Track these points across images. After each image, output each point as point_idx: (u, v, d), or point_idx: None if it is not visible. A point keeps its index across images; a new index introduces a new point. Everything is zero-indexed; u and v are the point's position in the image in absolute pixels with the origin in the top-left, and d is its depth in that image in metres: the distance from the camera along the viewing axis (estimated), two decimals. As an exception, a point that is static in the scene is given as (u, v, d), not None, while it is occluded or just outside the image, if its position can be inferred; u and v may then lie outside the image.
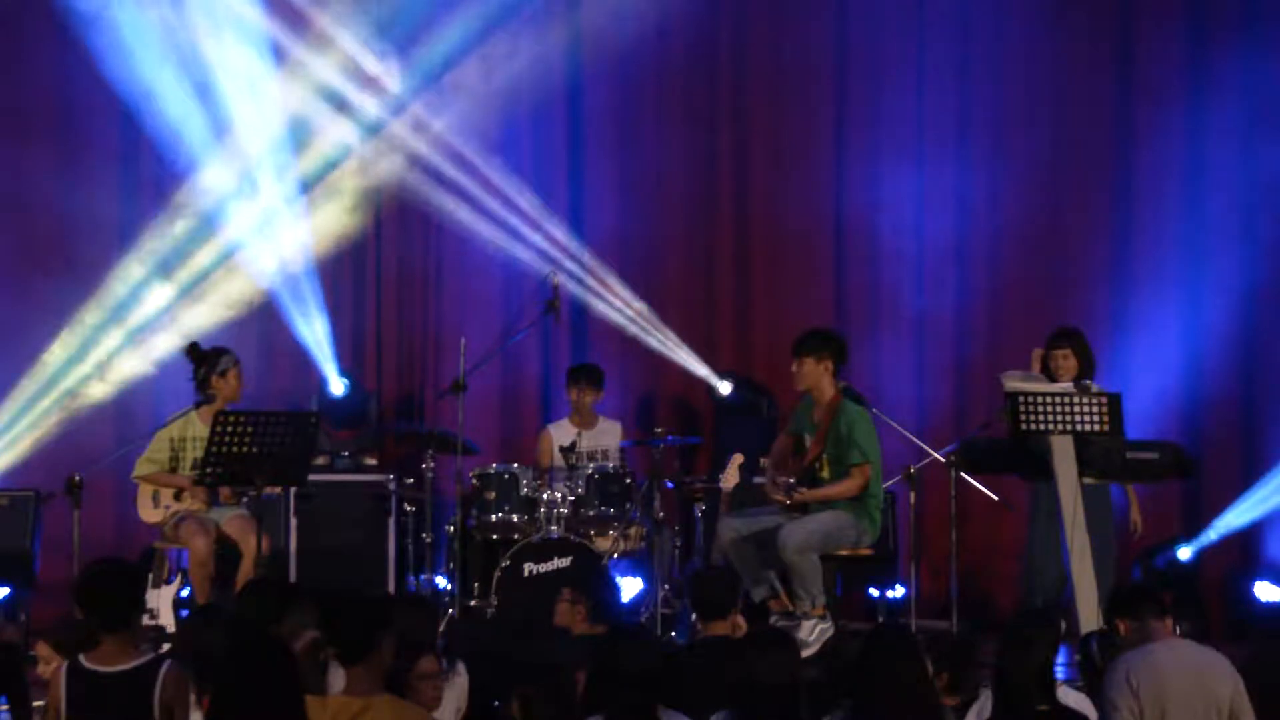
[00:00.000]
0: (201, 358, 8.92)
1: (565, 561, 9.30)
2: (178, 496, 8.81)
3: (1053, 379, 8.84)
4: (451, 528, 9.79)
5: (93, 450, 9.36)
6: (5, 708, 6.34)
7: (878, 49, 11.19)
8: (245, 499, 8.70)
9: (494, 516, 9.66)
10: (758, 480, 9.38)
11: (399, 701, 5.17)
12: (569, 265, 10.83)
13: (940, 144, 11.14)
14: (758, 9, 11.27)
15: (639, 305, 10.92)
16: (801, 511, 8.54)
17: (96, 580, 5.46)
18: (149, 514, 8.90)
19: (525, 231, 10.90)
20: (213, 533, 8.63)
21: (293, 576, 9.72)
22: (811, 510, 8.54)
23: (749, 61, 11.29)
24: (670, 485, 9.99)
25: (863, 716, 5.11)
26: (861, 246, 11.21)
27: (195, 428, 8.79)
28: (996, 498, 9.40)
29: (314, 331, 10.78)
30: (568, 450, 9.82)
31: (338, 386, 10.79)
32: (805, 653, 8.23)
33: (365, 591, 6.24)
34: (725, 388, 10.84)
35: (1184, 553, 10.31)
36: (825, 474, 8.62)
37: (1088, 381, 8.78)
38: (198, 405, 8.85)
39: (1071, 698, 5.66)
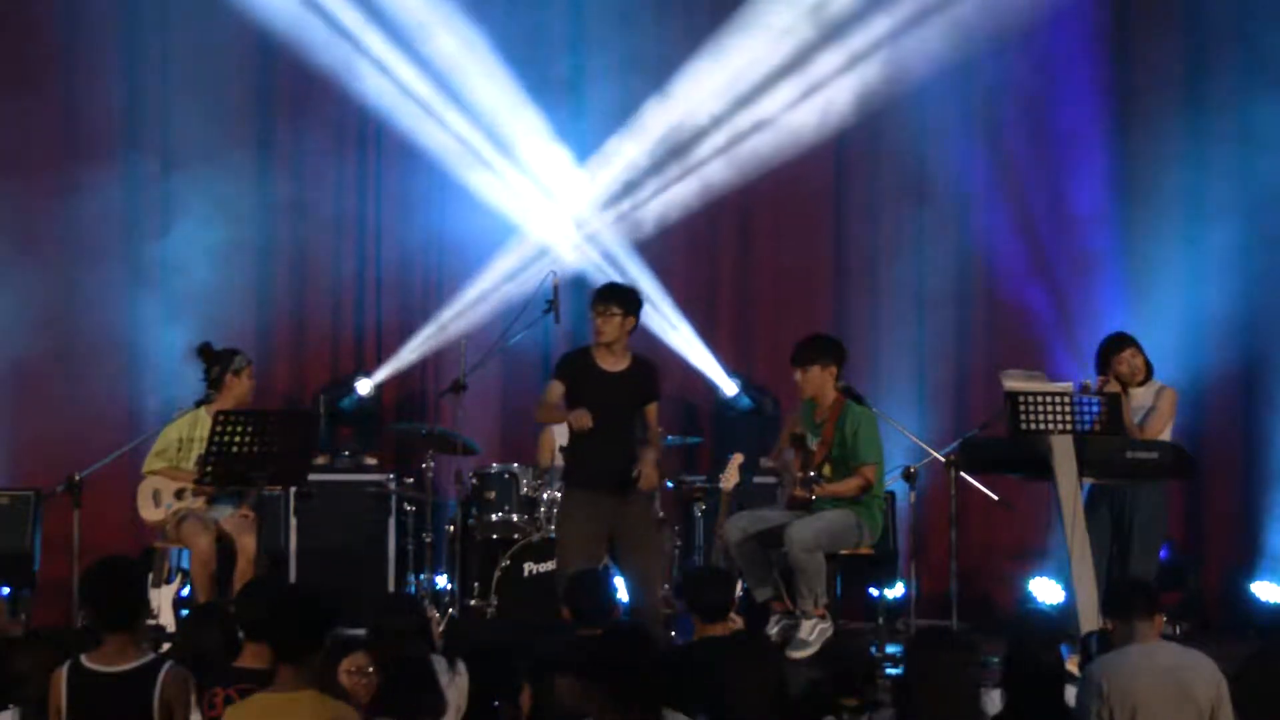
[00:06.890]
0: (215, 357, 8.93)
1: (565, 561, 9.27)
2: (179, 495, 8.80)
3: (1125, 385, 8.81)
4: (451, 528, 9.79)
5: (93, 450, 9.33)
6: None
7: None
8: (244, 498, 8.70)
9: (494, 516, 9.65)
10: (758, 480, 9.36)
11: (322, 697, 5.06)
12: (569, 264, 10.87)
13: (942, 140, 11.18)
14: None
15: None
16: (806, 510, 8.53)
17: (104, 577, 5.44)
18: (150, 513, 8.87)
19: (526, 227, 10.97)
20: (214, 530, 8.62)
21: (293, 576, 9.72)
22: (816, 509, 8.54)
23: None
24: (670, 485, 9.98)
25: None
26: (862, 245, 11.23)
27: (205, 426, 8.77)
28: (996, 498, 9.39)
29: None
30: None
31: (365, 387, 10.81)
32: (805, 653, 8.24)
33: (316, 589, 5.94)
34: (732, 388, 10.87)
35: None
36: (829, 475, 8.61)
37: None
38: (199, 404, 8.84)
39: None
